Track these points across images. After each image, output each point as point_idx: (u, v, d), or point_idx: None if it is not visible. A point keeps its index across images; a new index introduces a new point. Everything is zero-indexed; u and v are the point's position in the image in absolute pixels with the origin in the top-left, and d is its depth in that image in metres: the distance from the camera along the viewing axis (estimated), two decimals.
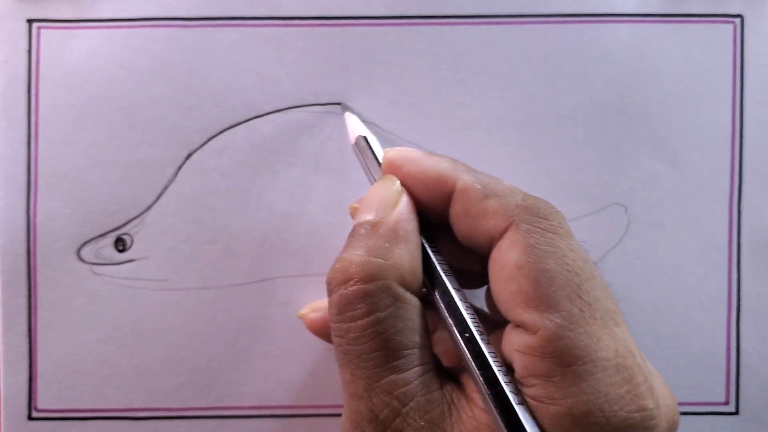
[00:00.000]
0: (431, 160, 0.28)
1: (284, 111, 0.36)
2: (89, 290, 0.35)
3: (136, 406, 0.36)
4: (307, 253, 0.36)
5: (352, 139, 0.33)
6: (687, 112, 0.36)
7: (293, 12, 0.36)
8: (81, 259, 0.35)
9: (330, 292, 0.27)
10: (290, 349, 0.36)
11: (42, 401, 0.35)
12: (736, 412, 0.36)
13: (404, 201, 0.28)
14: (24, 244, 0.35)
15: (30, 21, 0.35)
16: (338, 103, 0.36)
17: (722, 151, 0.36)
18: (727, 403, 0.36)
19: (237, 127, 0.36)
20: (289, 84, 0.36)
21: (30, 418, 0.35)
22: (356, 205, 0.29)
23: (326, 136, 0.36)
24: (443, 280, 0.27)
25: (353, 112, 0.35)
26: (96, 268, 0.35)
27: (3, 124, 0.35)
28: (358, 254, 0.26)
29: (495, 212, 0.26)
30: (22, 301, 0.35)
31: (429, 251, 0.28)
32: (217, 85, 0.35)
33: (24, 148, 0.35)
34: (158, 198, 0.35)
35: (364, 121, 0.36)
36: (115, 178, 0.35)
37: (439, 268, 0.27)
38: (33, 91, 0.35)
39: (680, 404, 0.35)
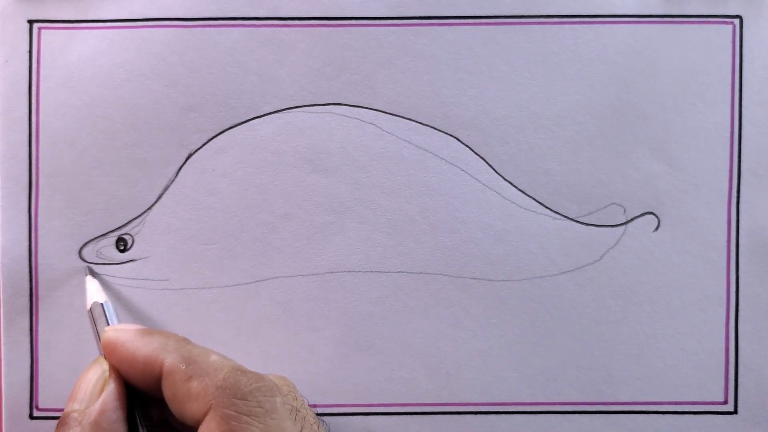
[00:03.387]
0: (142, 341, 0.27)
1: (284, 111, 0.36)
2: None
3: None
4: (307, 253, 0.36)
5: (88, 305, 0.32)
6: (686, 113, 0.36)
7: (293, 12, 0.36)
8: (82, 259, 0.35)
9: None
10: (290, 349, 0.36)
11: (43, 400, 0.36)
12: (735, 412, 0.36)
13: (109, 389, 0.27)
14: (25, 244, 0.35)
15: (31, 22, 0.35)
16: (338, 104, 0.36)
17: (721, 152, 0.36)
18: (725, 402, 0.36)
19: (237, 128, 0.36)
20: (289, 84, 0.36)
21: (31, 417, 0.36)
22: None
23: (326, 136, 0.36)
24: None
25: (96, 277, 0.35)
26: (97, 268, 0.36)
27: (4, 124, 0.35)
28: None
29: (197, 395, 0.26)
30: (24, 301, 0.35)
31: None
32: (218, 86, 0.36)
33: (25, 148, 0.35)
34: (159, 198, 0.36)
35: (362, 121, 0.36)
36: (115, 178, 0.36)
37: None
38: (34, 92, 0.35)
39: (678, 403, 0.36)
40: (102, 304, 0.32)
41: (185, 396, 0.26)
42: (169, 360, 0.27)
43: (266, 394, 0.26)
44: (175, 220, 0.36)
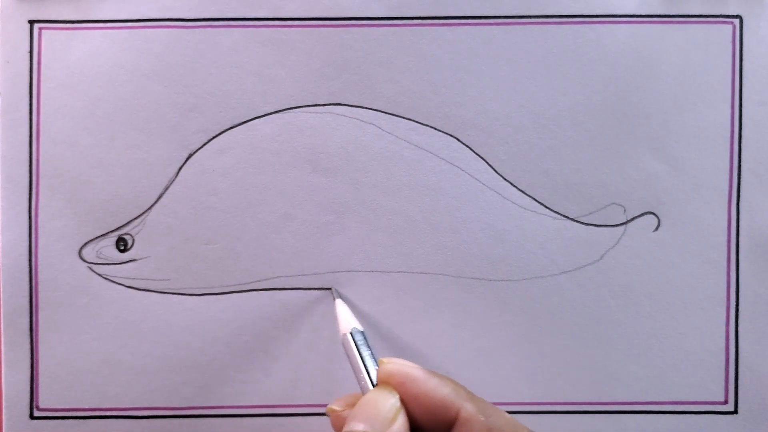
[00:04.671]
0: (434, 383, 0.27)
1: (284, 111, 0.36)
2: (90, 290, 0.36)
3: (136, 405, 0.36)
4: (307, 252, 0.36)
5: (343, 331, 0.32)
6: (686, 113, 0.36)
7: (293, 13, 0.36)
8: (82, 259, 0.36)
9: None
10: (290, 349, 0.36)
11: (43, 400, 0.36)
12: (735, 411, 0.36)
13: (401, 421, 0.27)
14: (26, 244, 0.35)
15: (31, 22, 0.35)
16: (338, 104, 0.36)
17: (721, 152, 0.36)
18: (725, 402, 0.36)
19: (237, 128, 0.36)
20: (289, 84, 0.36)
21: (32, 417, 0.36)
22: (336, 408, 0.29)
23: (326, 136, 0.36)
24: None
25: (344, 298, 0.35)
26: (97, 268, 0.36)
27: (5, 124, 0.35)
28: None
29: None
30: (24, 301, 0.35)
31: None
32: (218, 86, 0.36)
33: (26, 149, 0.35)
34: (159, 198, 0.36)
35: (362, 121, 0.36)
36: (116, 178, 0.36)
37: None
38: (35, 92, 0.35)
39: (679, 403, 0.36)
40: (362, 331, 0.31)
41: None
42: (469, 408, 0.27)
43: None
44: (175, 220, 0.36)
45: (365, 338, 0.31)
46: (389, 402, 0.27)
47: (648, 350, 0.36)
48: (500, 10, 0.36)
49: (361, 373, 0.29)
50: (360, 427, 0.26)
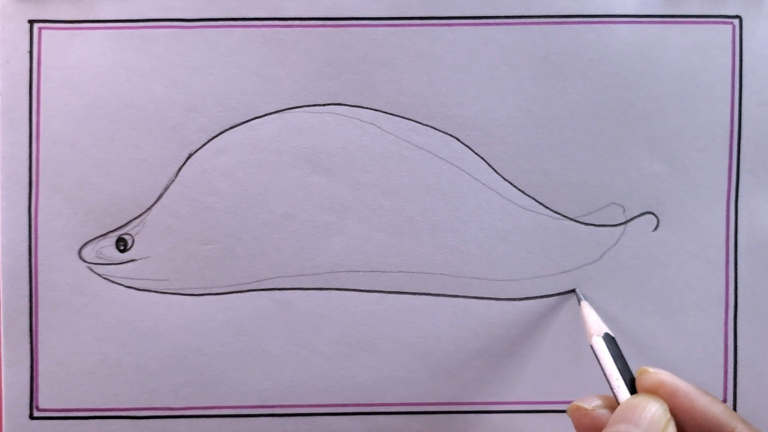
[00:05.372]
0: (706, 400, 0.27)
1: (284, 111, 0.36)
2: (90, 290, 0.36)
3: (136, 405, 0.36)
4: (308, 252, 0.36)
5: (594, 335, 0.31)
6: (685, 113, 0.36)
7: (293, 13, 0.36)
8: (82, 259, 0.35)
9: None
10: (290, 349, 0.36)
11: (43, 400, 0.36)
12: (734, 411, 0.36)
13: (672, 429, 0.26)
14: (25, 244, 0.35)
15: (31, 22, 0.35)
16: (338, 104, 0.36)
17: (720, 152, 0.36)
18: (725, 401, 0.36)
19: (237, 128, 0.36)
20: (289, 84, 0.36)
21: (32, 417, 0.36)
22: (585, 406, 0.28)
23: (326, 136, 0.36)
24: None
25: (588, 300, 0.35)
26: (97, 268, 0.36)
27: (4, 124, 0.35)
28: None
29: None
30: (24, 301, 0.35)
31: None
32: (218, 86, 0.36)
33: (25, 149, 0.35)
34: (159, 198, 0.36)
35: (362, 121, 0.36)
36: (116, 178, 0.36)
37: None
38: (34, 92, 0.35)
39: None
40: (612, 336, 0.31)
41: None
42: (742, 430, 0.26)
43: None
44: (175, 220, 0.36)
45: (615, 343, 0.30)
46: (660, 410, 0.27)
47: (647, 350, 0.36)
48: (500, 10, 0.36)
49: (617, 378, 0.29)
50: (629, 429, 0.26)
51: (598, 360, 0.30)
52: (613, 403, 0.28)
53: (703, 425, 0.27)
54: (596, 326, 0.31)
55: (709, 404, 0.27)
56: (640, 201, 0.36)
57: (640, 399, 0.27)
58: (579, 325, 0.36)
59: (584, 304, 0.34)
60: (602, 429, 0.27)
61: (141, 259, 0.36)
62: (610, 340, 0.30)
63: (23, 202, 0.35)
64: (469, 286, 0.36)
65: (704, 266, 0.36)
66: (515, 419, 0.36)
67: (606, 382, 0.29)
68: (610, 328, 0.31)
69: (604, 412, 0.29)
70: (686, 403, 0.27)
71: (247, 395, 0.36)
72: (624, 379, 0.29)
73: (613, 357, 0.30)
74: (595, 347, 0.30)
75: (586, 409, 0.29)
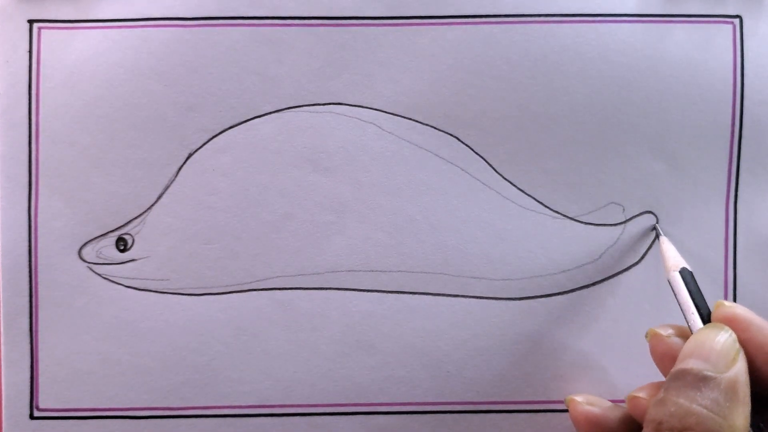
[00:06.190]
0: None
1: (284, 110, 0.36)
2: (90, 290, 0.36)
3: (136, 405, 0.36)
4: (308, 252, 0.36)
5: (672, 269, 0.31)
6: (686, 112, 0.36)
7: (293, 12, 0.36)
8: (82, 259, 0.35)
9: None
10: (290, 349, 0.36)
11: (43, 400, 0.36)
12: None
13: (742, 362, 0.26)
14: (25, 244, 0.35)
15: (31, 21, 0.35)
16: (338, 104, 0.36)
17: (720, 151, 0.36)
18: None
19: (237, 127, 0.36)
20: (289, 84, 0.36)
21: (32, 417, 0.36)
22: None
23: (326, 135, 0.36)
24: None
25: (666, 234, 0.35)
26: (97, 268, 0.36)
27: (4, 124, 0.35)
28: (697, 406, 0.25)
29: None
30: (24, 301, 0.35)
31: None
32: (218, 85, 0.36)
33: (25, 149, 0.35)
34: (159, 198, 0.36)
35: (362, 121, 0.36)
36: (116, 178, 0.36)
37: None
38: (34, 92, 0.35)
39: None
40: (690, 272, 0.30)
41: None
42: None
43: None
44: (175, 220, 0.36)
45: (694, 279, 0.30)
46: (729, 340, 0.26)
47: (646, 349, 0.36)
48: (500, 10, 0.36)
49: (692, 312, 0.29)
50: (697, 365, 0.25)
51: (675, 295, 0.30)
52: (688, 335, 0.28)
53: None
54: (674, 261, 0.31)
55: None
56: (639, 200, 0.36)
57: (707, 330, 0.27)
58: (579, 325, 0.36)
59: (663, 239, 0.34)
60: (675, 357, 0.27)
61: (141, 258, 0.36)
62: (688, 275, 0.30)
63: (23, 202, 0.35)
64: (468, 286, 0.36)
65: (703, 266, 0.36)
66: (515, 419, 0.36)
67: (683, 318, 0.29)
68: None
69: (677, 340, 0.28)
70: (759, 337, 0.26)
71: (246, 395, 0.36)
72: (701, 315, 0.29)
73: (690, 292, 0.30)
74: (672, 282, 0.30)
75: (662, 336, 0.29)
